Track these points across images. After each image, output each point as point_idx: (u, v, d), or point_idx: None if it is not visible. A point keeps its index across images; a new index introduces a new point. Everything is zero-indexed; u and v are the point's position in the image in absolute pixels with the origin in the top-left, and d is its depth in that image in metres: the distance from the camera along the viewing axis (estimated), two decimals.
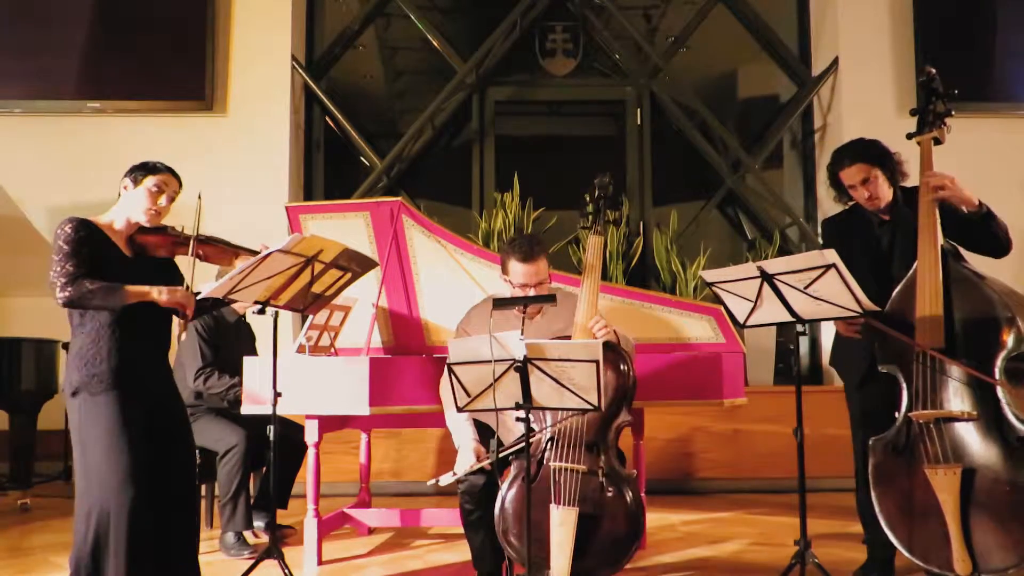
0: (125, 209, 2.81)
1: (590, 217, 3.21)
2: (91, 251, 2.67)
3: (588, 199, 3.21)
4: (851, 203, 3.23)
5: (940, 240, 2.85)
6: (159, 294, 2.69)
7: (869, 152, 3.10)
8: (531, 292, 3.06)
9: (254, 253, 2.95)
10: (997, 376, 2.69)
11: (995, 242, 2.98)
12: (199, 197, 2.86)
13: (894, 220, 3.12)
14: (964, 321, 2.77)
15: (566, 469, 2.81)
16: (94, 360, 2.65)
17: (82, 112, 5.61)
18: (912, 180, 3.14)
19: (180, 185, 2.86)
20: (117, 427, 2.62)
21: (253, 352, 4.06)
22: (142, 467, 2.64)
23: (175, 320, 2.81)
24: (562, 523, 2.73)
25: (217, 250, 2.93)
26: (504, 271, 3.16)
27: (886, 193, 3.09)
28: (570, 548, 2.71)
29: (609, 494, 2.80)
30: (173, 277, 2.89)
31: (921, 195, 2.92)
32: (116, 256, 2.75)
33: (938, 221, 2.86)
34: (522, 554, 2.77)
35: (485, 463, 2.91)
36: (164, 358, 2.86)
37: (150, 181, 2.79)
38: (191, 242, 2.83)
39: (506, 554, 2.87)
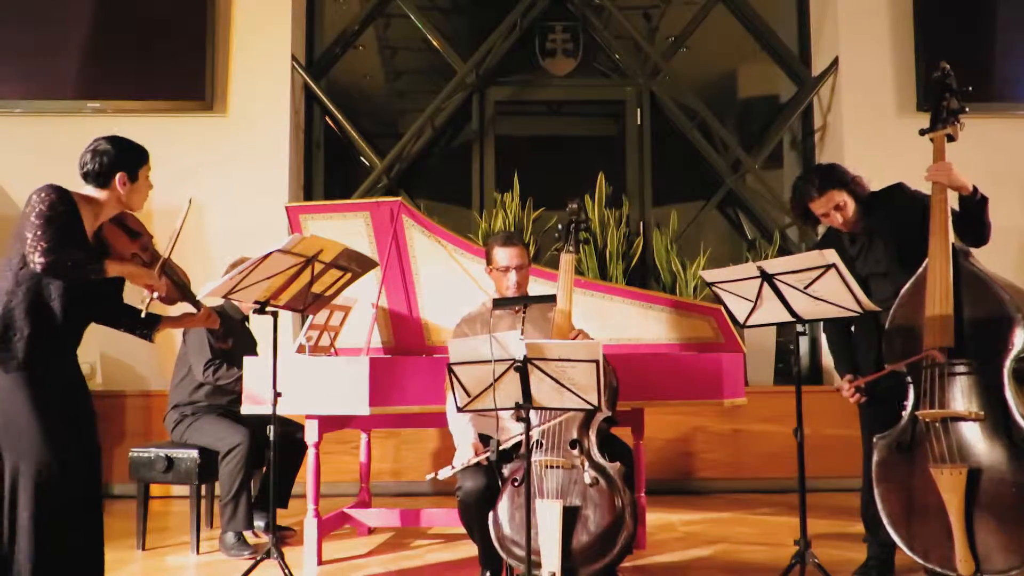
0: (118, 201, 2.67)
1: (562, 239, 3.36)
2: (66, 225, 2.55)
3: (560, 225, 3.35)
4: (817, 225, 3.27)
5: (952, 239, 2.85)
6: (136, 277, 2.60)
7: (834, 178, 3.11)
8: (513, 276, 3.25)
9: (196, 306, 2.84)
10: (1005, 377, 2.69)
11: (982, 230, 2.99)
12: (190, 202, 2.72)
13: (864, 230, 3.15)
14: (973, 320, 2.76)
15: (548, 464, 2.85)
16: (14, 335, 2.54)
17: (82, 112, 5.61)
18: (876, 186, 3.19)
19: None
20: (39, 407, 2.53)
21: (254, 355, 4.06)
22: (72, 449, 2.57)
23: (145, 293, 2.66)
24: (548, 516, 2.74)
25: (170, 286, 2.75)
26: (489, 262, 3.34)
27: (856, 213, 3.12)
28: (559, 541, 2.73)
29: (592, 487, 2.82)
30: (117, 283, 2.76)
31: (933, 194, 2.93)
32: (80, 239, 2.62)
33: (950, 220, 2.87)
34: (520, 558, 2.79)
35: (482, 457, 2.94)
36: (75, 355, 2.72)
37: (146, 171, 2.71)
38: (159, 264, 2.69)
39: (506, 563, 2.90)
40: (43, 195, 2.55)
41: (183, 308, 2.89)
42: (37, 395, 2.54)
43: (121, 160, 2.66)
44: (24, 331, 2.55)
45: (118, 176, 2.66)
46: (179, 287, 2.79)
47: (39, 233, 2.49)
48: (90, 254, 2.56)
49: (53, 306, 2.59)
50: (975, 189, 2.93)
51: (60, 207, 2.55)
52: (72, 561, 2.60)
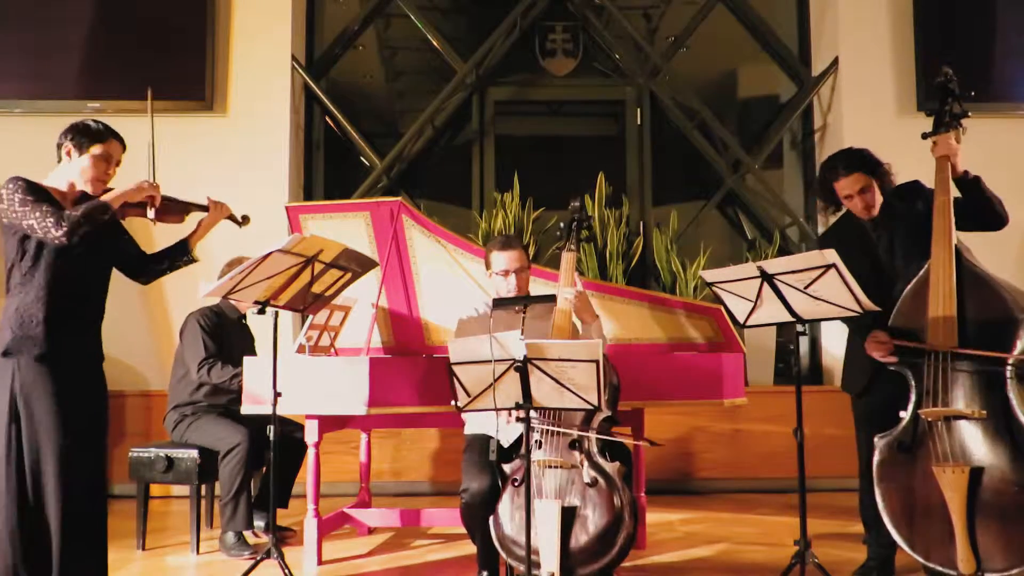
0: (67, 175, 2.70)
1: (563, 237, 3.32)
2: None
3: (562, 224, 3.32)
4: (838, 212, 3.26)
5: (954, 240, 2.86)
6: (133, 194, 2.68)
7: (865, 162, 3.13)
8: (512, 278, 3.27)
9: (203, 208, 2.96)
10: (1008, 376, 2.69)
11: (990, 210, 2.98)
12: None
13: (886, 216, 3.14)
14: (976, 320, 2.77)
15: (548, 464, 2.85)
16: (30, 322, 2.59)
17: (82, 112, 5.59)
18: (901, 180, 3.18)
19: (124, 147, 2.79)
20: (60, 393, 2.59)
21: (252, 353, 4.06)
22: (89, 435, 2.66)
23: (149, 213, 2.78)
24: (546, 516, 2.75)
25: (170, 205, 2.89)
26: (487, 266, 3.36)
27: (879, 201, 3.13)
28: (558, 541, 2.73)
29: (591, 487, 2.82)
30: (119, 239, 2.84)
31: (936, 196, 2.93)
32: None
33: (952, 220, 2.87)
34: (519, 557, 2.80)
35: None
36: (98, 329, 2.79)
37: (97, 149, 2.69)
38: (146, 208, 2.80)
39: (506, 562, 2.91)
40: (11, 186, 2.59)
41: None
42: (58, 381, 2.60)
43: (70, 134, 2.72)
44: (39, 315, 2.60)
45: (64, 147, 2.71)
46: (179, 202, 2.93)
47: (36, 214, 2.53)
48: (87, 205, 2.59)
49: (57, 279, 2.62)
50: (965, 172, 2.96)
51: (30, 188, 2.60)
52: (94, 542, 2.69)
